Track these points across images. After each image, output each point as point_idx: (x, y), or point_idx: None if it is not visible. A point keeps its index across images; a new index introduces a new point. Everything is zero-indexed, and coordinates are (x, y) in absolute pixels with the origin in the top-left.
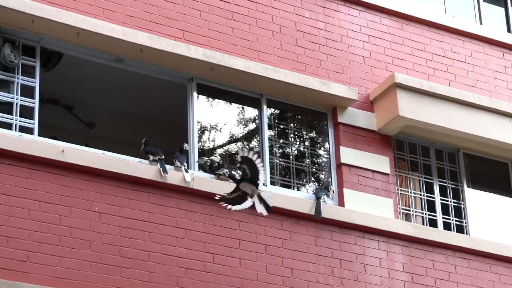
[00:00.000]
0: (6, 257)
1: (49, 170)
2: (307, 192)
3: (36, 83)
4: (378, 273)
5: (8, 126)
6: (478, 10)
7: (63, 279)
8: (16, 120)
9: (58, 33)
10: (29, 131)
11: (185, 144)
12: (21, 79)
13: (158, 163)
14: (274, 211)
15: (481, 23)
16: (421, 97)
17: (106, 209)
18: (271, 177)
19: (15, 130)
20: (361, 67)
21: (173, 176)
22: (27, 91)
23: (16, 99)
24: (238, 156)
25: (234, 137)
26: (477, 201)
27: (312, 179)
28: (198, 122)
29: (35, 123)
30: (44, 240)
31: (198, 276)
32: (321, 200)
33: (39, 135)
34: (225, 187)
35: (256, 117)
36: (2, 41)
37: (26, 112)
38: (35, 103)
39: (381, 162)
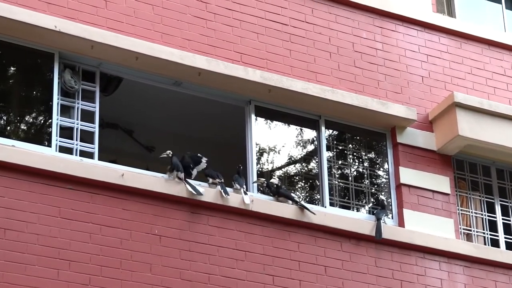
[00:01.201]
0: (68, 280)
1: (110, 194)
2: (367, 213)
3: (96, 107)
4: None
5: (69, 150)
6: None
7: None
8: (76, 144)
9: (117, 58)
10: (90, 155)
11: (169, 151)
12: (81, 104)
13: (219, 186)
14: (334, 233)
15: None
16: (481, 116)
17: (166, 232)
18: (330, 198)
19: (76, 155)
20: (420, 87)
21: (233, 198)
22: (87, 116)
23: (77, 124)
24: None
25: (292, 159)
26: None
27: (372, 199)
28: (257, 144)
29: (95, 148)
30: (105, 264)
31: None
32: (381, 221)
33: (99, 159)
34: (284, 209)
35: (315, 139)
36: (62, 67)
37: (87, 136)
38: (95, 127)
39: (441, 182)
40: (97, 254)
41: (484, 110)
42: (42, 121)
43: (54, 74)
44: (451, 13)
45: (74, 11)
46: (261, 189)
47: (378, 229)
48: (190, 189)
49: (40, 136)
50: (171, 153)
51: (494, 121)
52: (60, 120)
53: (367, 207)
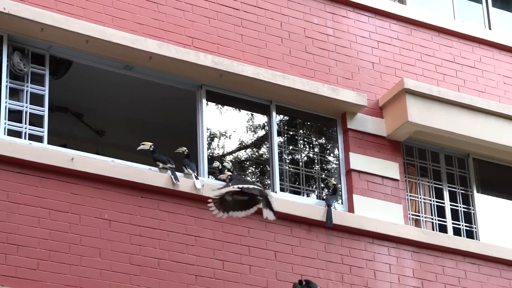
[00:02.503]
0: (16, 265)
1: (59, 178)
2: (316, 198)
3: (45, 91)
4: (388, 279)
5: (18, 134)
6: (487, 15)
7: (73, 287)
8: (25, 128)
9: (67, 41)
10: (39, 139)
11: (184, 148)
12: (30, 87)
13: (169, 171)
14: (284, 218)
15: (490, 28)
16: (431, 102)
17: (116, 217)
18: (280, 184)
19: (25, 138)
20: (370, 73)
21: (183, 183)
22: (36, 99)
23: (26, 107)
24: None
25: (243, 144)
26: (487, 206)
27: (322, 185)
28: (208, 129)
29: (44, 131)
30: (54, 248)
31: (208, 283)
32: (332, 208)
33: (48, 143)
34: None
35: (266, 124)
36: (11, 50)
37: (36, 120)
38: (44, 111)
39: (391, 168)
40: (45, 239)
41: (433, 96)
42: None
43: (3, 57)
44: (401, 0)
45: None
46: (216, 174)
47: (329, 215)
48: (172, 177)
49: None
50: (153, 147)
51: (443, 108)
52: (9, 103)
53: (317, 193)
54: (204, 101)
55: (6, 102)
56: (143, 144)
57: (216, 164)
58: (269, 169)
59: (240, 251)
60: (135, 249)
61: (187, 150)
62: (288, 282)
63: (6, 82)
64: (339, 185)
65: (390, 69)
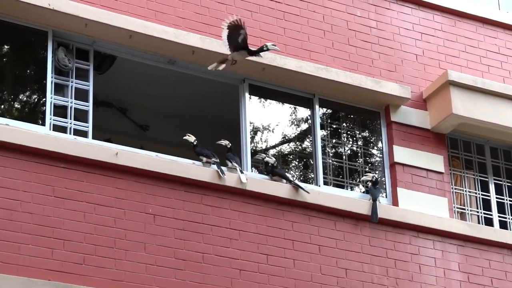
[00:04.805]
0: (62, 259)
1: (104, 173)
2: (360, 192)
3: (90, 86)
4: (434, 273)
5: (63, 129)
6: None
7: (118, 281)
8: (70, 123)
9: (111, 36)
10: (84, 134)
11: (226, 141)
12: (75, 83)
13: (215, 165)
14: (328, 211)
15: None
16: (475, 94)
17: (160, 211)
18: (324, 177)
19: (70, 134)
20: (414, 65)
21: (227, 177)
22: (81, 95)
23: (71, 103)
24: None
25: (286, 138)
26: None
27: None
28: (251, 123)
29: (89, 126)
30: (99, 243)
31: (252, 277)
32: (377, 202)
33: (93, 138)
34: (278, 188)
35: (309, 117)
36: (56, 45)
37: (80, 115)
38: (89, 106)
39: (435, 161)
40: (91, 233)
41: (478, 88)
42: (36, 100)
43: (47, 53)
44: None
45: None
46: (260, 167)
47: (375, 210)
48: (219, 171)
49: (34, 114)
50: (196, 141)
51: (488, 100)
52: (54, 99)
53: (361, 186)
54: (247, 94)
55: (51, 98)
56: (188, 136)
57: (261, 156)
58: (312, 162)
59: (284, 245)
60: (179, 243)
61: (230, 144)
62: (333, 277)
63: (52, 77)
64: (383, 178)
65: (434, 61)
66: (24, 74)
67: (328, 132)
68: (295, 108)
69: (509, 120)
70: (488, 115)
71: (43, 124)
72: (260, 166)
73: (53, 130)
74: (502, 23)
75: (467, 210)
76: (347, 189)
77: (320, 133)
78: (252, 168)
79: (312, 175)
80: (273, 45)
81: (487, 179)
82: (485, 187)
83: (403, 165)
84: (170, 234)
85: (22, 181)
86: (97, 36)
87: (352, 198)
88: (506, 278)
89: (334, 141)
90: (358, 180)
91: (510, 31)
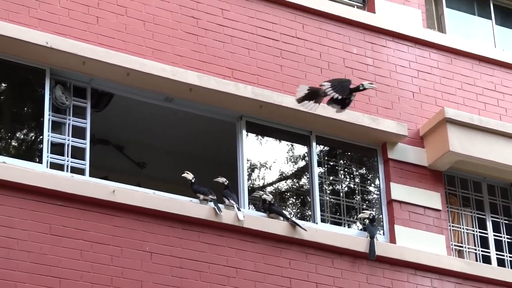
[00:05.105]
0: None
1: (101, 210)
2: (358, 229)
3: (87, 124)
4: None
5: (60, 167)
6: None
7: None
8: (67, 161)
9: (108, 74)
10: (81, 172)
11: (224, 179)
12: (72, 120)
13: (212, 202)
14: (325, 249)
15: None
16: (472, 131)
17: (157, 249)
18: (321, 215)
19: (67, 171)
20: (411, 102)
21: (225, 214)
22: (78, 132)
23: (68, 140)
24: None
25: (283, 175)
26: None
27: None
28: (248, 160)
29: (86, 164)
30: (96, 281)
31: None
32: (375, 239)
33: (90, 175)
34: (275, 225)
35: (306, 154)
36: (53, 83)
37: (78, 153)
38: (86, 144)
39: (433, 198)
40: (87, 271)
41: (474, 125)
42: (33, 137)
43: (45, 90)
44: (441, 28)
45: (66, 27)
46: (257, 204)
47: (372, 248)
48: (216, 208)
49: (31, 152)
50: (194, 179)
51: (484, 137)
52: (51, 136)
53: (358, 223)
54: (244, 132)
55: (48, 135)
56: (186, 173)
57: (258, 193)
58: (309, 200)
59: (282, 283)
60: (176, 281)
61: (227, 181)
62: None
63: (49, 115)
64: (381, 216)
65: (430, 98)
66: (21, 111)
67: (325, 169)
68: (292, 145)
69: (506, 157)
70: (485, 153)
71: (40, 161)
72: (258, 203)
73: (50, 167)
74: (498, 60)
75: (465, 247)
76: (344, 226)
77: (317, 170)
78: (250, 206)
79: (310, 213)
80: (370, 83)
81: (484, 217)
82: (482, 225)
83: (401, 202)
84: (167, 272)
85: (19, 219)
86: (95, 74)
87: (350, 236)
88: None
89: (331, 178)
90: (355, 217)
91: (506, 68)
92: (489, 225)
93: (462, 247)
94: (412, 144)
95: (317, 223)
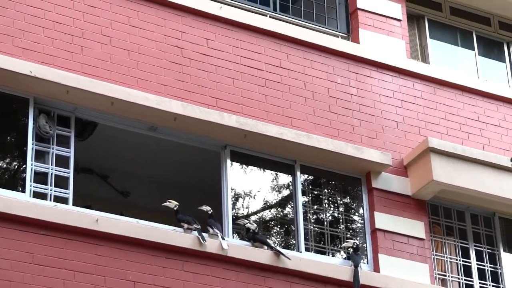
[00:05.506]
0: None
1: (84, 239)
2: (342, 258)
3: (71, 153)
4: None
5: (43, 196)
6: (511, 74)
7: None
8: (51, 190)
9: (92, 103)
10: (64, 201)
11: (208, 208)
12: (56, 149)
13: (196, 231)
14: (309, 278)
15: None
16: (456, 161)
17: (141, 278)
18: (305, 243)
19: (50, 200)
20: (395, 132)
21: (208, 243)
22: (62, 161)
23: (51, 169)
24: None
25: (268, 204)
26: None
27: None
28: (232, 189)
29: (69, 193)
30: None
31: None
32: (359, 268)
33: (73, 204)
34: (259, 254)
35: (290, 183)
36: (37, 112)
37: (61, 182)
38: (70, 172)
39: (416, 227)
40: None
41: (458, 155)
42: (16, 166)
43: (29, 119)
44: (425, 59)
45: (49, 56)
46: (241, 233)
47: (356, 276)
48: (200, 238)
49: (14, 181)
50: (177, 207)
51: (468, 166)
52: (35, 165)
53: (342, 252)
54: (229, 161)
55: (32, 164)
56: (169, 202)
57: (242, 222)
58: (294, 228)
59: None
60: None
61: (211, 210)
62: None
63: (32, 144)
64: (365, 245)
65: (414, 128)
66: (5, 140)
67: (310, 198)
68: (276, 174)
69: (489, 187)
70: (468, 182)
71: (23, 191)
72: (242, 232)
73: (33, 196)
74: (481, 91)
75: (448, 276)
76: (328, 255)
77: (301, 199)
78: (234, 234)
79: (294, 241)
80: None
81: (467, 246)
82: (465, 254)
83: (384, 231)
84: None
85: (2, 248)
86: (79, 103)
87: (334, 264)
88: None
89: (315, 207)
90: (339, 246)
91: (489, 99)
92: (472, 254)
93: (445, 275)
94: (396, 174)
95: (301, 252)
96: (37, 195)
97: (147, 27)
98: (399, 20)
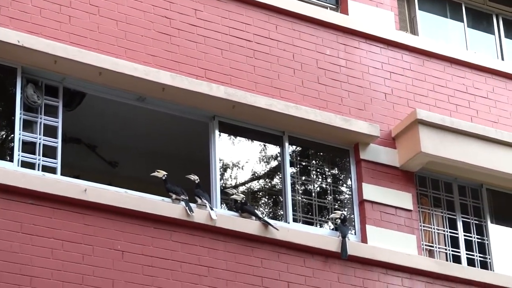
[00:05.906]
0: None
1: (72, 209)
2: (329, 229)
3: (59, 123)
4: None
5: (31, 165)
6: (500, 46)
7: None
8: (39, 160)
9: (80, 73)
10: (52, 170)
11: (196, 177)
12: (44, 119)
13: (183, 202)
14: (297, 248)
15: (502, 59)
16: (443, 133)
17: (129, 248)
18: (293, 214)
19: (38, 170)
20: (383, 103)
21: (197, 214)
22: (50, 131)
23: (39, 139)
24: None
25: (256, 175)
26: (501, 237)
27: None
28: (220, 160)
29: (58, 163)
30: (67, 279)
31: None
32: (346, 239)
33: (62, 174)
34: (247, 225)
35: (278, 155)
36: (25, 82)
37: (49, 151)
38: (58, 142)
39: (404, 199)
40: (58, 270)
41: (446, 127)
42: (4, 136)
43: (16, 89)
44: (414, 31)
45: (37, 26)
46: (229, 203)
47: (344, 247)
48: (187, 209)
49: (2, 151)
50: (166, 176)
51: (456, 138)
52: (23, 135)
53: (330, 223)
54: (217, 132)
55: (20, 134)
56: (157, 172)
57: (230, 192)
58: (282, 199)
59: (253, 282)
60: (148, 280)
61: (198, 179)
62: None
63: (20, 114)
64: (352, 216)
65: (402, 99)
66: None
67: (298, 169)
68: (265, 145)
69: (477, 158)
70: (456, 154)
71: (11, 160)
72: (230, 202)
73: (21, 166)
74: (470, 63)
75: (435, 247)
76: (316, 226)
77: (289, 170)
78: (222, 205)
79: (282, 212)
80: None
81: (455, 217)
82: (453, 225)
83: (372, 202)
84: (139, 270)
85: None
86: (67, 73)
87: (321, 235)
88: None
89: (303, 178)
90: (327, 217)
91: (478, 71)
92: (460, 225)
93: (432, 247)
94: (384, 145)
95: (289, 223)
96: (25, 164)
97: None
98: None
